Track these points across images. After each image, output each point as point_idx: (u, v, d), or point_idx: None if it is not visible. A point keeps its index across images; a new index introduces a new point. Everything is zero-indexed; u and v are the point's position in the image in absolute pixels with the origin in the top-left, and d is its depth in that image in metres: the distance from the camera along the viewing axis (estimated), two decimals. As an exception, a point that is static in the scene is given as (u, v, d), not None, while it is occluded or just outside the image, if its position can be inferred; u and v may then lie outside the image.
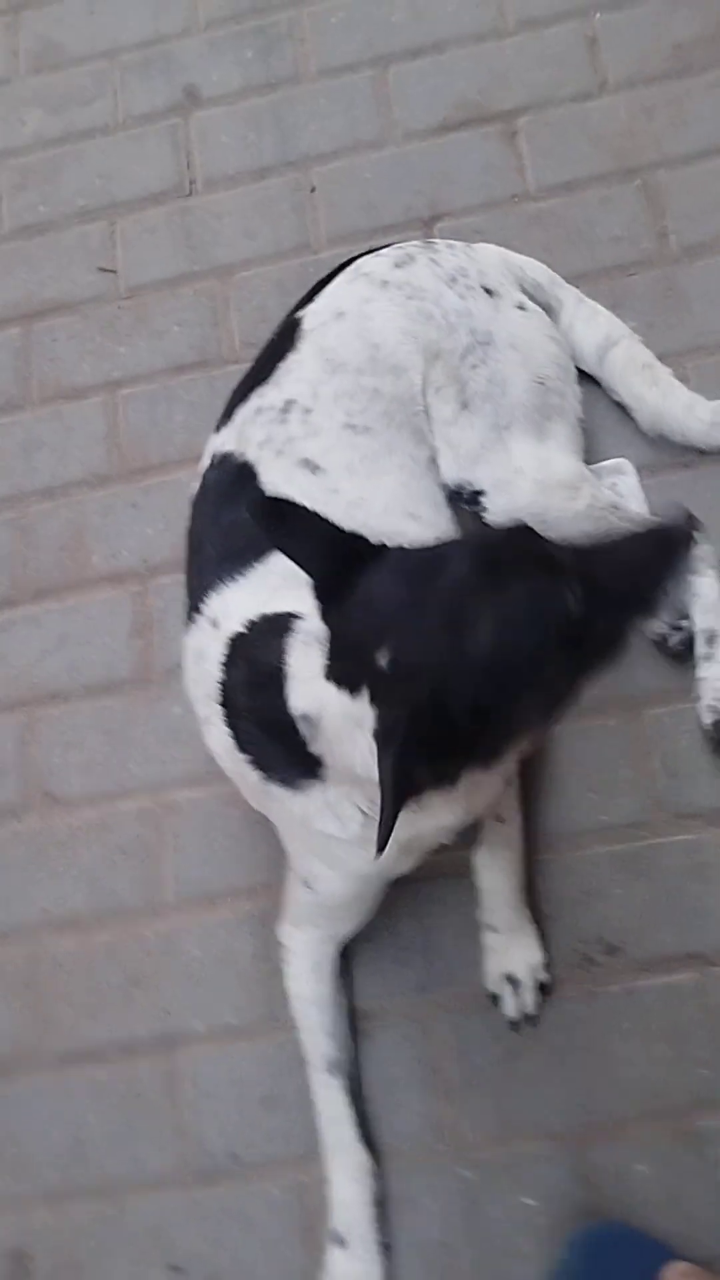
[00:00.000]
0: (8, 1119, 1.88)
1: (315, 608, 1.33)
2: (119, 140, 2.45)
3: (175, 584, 1.95)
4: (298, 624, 1.42)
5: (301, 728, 1.37)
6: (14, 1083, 1.90)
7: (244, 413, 1.76)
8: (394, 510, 1.68)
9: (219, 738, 1.57)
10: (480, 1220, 1.70)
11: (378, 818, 1.22)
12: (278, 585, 1.54)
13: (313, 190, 2.32)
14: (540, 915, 1.80)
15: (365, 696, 1.26)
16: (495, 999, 1.76)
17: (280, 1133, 1.78)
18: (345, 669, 1.28)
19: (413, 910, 1.84)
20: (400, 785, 1.19)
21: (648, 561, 1.31)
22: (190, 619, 1.68)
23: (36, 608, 2.14)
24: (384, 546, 1.31)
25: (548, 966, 1.77)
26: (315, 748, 1.38)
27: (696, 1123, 1.69)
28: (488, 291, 1.86)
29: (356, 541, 1.31)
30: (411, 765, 1.20)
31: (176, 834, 1.96)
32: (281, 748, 1.44)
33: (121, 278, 2.34)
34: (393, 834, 1.23)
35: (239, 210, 2.34)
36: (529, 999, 1.75)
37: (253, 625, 1.51)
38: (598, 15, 2.30)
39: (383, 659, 1.23)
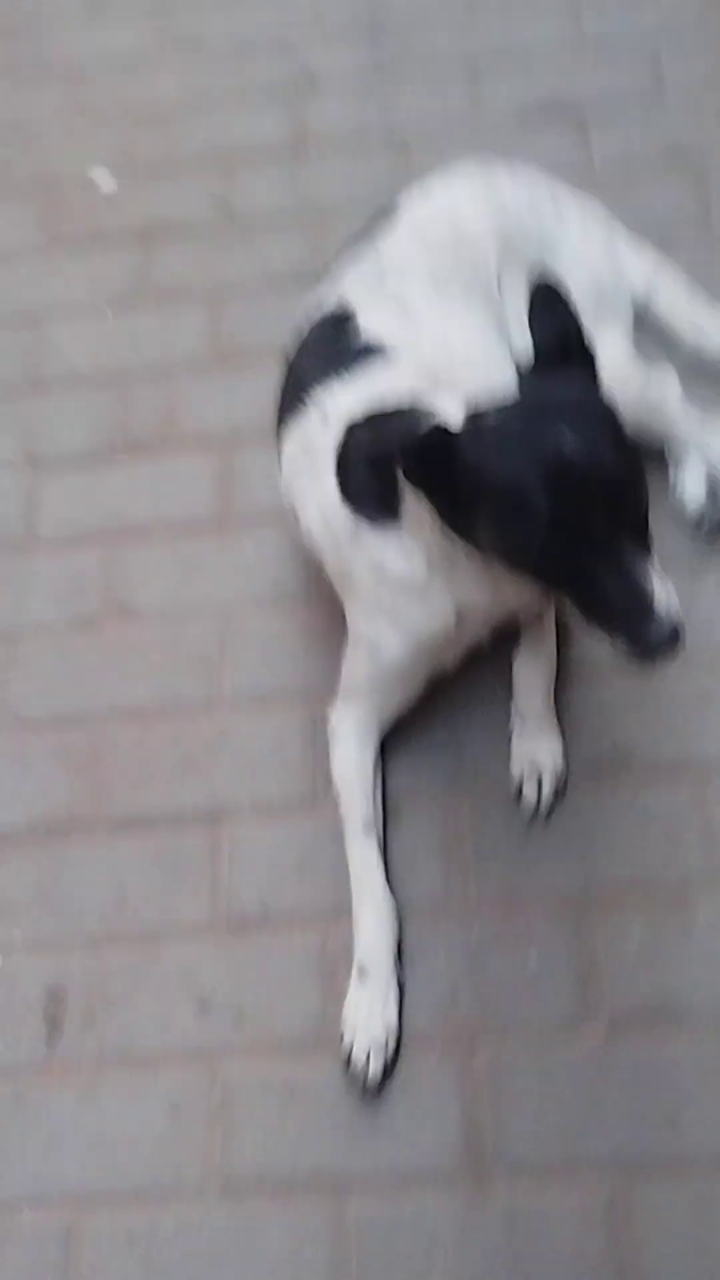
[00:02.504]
0: (60, 873, 2.06)
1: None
2: None
3: (256, 450, 2.26)
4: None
5: None
6: (69, 843, 2.08)
7: (341, 269, 2.10)
8: (474, 353, 1.98)
9: (319, 503, 1.87)
10: (485, 974, 1.88)
11: (437, 568, 1.67)
12: (380, 386, 1.85)
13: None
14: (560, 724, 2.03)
15: None
16: (518, 790, 1.98)
17: (309, 894, 1.97)
18: None
19: (447, 717, 2.07)
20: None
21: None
22: (289, 421, 1.98)
23: (131, 460, 2.43)
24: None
25: (567, 765, 1.99)
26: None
27: (685, 901, 1.89)
28: (559, 207, 2.20)
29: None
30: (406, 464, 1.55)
31: (238, 647, 2.20)
32: (376, 495, 1.75)
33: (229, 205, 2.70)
34: (443, 601, 1.73)
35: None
36: (549, 790, 1.96)
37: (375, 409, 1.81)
38: None
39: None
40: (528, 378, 1.66)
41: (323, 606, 2.16)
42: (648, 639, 1.48)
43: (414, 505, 1.68)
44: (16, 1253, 1.79)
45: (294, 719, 2.11)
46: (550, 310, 1.66)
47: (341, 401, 1.88)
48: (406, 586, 1.78)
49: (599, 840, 1.96)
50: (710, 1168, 1.72)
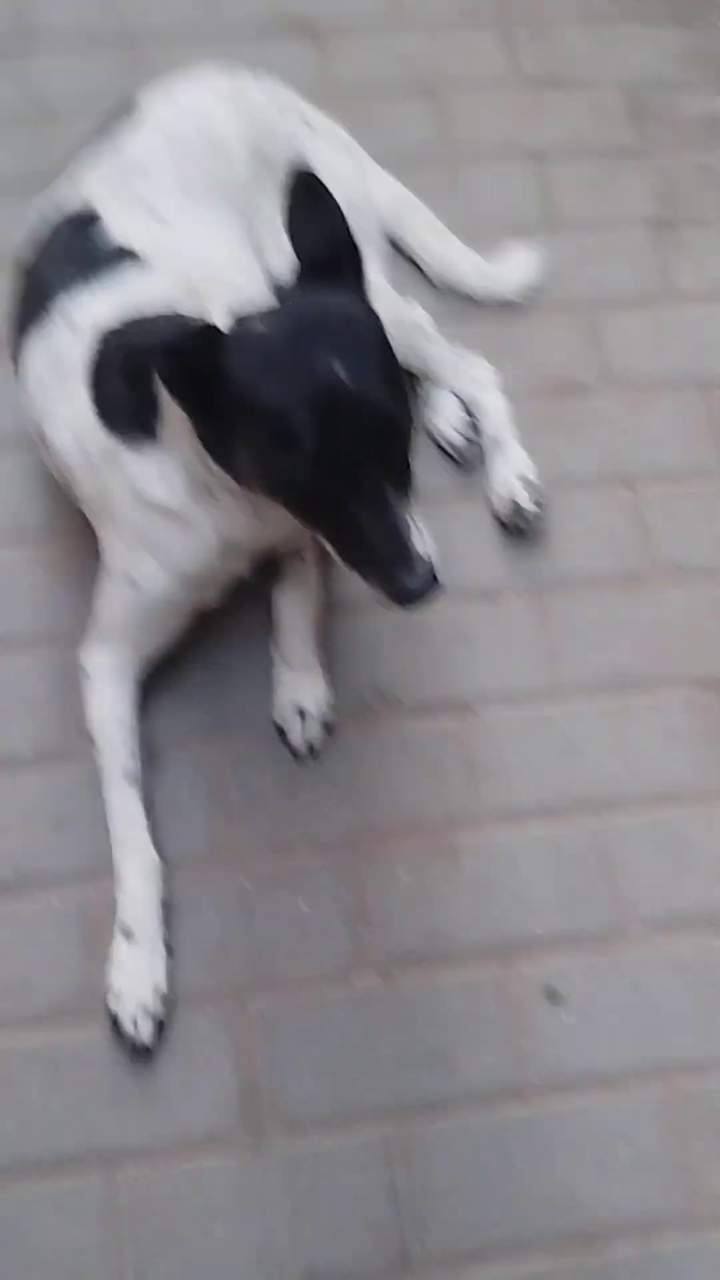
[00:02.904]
0: None
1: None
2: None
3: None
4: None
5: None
6: None
7: (81, 168, 1.93)
8: (231, 265, 1.87)
9: (69, 422, 1.73)
10: (255, 924, 1.82)
11: (199, 494, 1.55)
12: (134, 293, 1.70)
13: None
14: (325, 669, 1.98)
15: None
16: (282, 731, 1.91)
17: (68, 850, 1.84)
18: None
19: (207, 656, 1.97)
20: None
21: None
22: (32, 334, 1.81)
23: None
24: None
25: (332, 705, 1.94)
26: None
27: (451, 839, 1.89)
28: (309, 125, 2.11)
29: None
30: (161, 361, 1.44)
31: (-26, 586, 2.02)
32: (133, 411, 1.62)
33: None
34: (206, 531, 1.63)
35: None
36: (315, 731, 1.91)
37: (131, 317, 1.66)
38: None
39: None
40: (293, 288, 1.54)
41: (70, 539, 2.02)
42: (404, 587, 1.44)
43: (174, 424, 1.58)
44: None
45: (41, 663, 1.96)
46: (315, 207, 1.52)
47: (92, 310, 1.73)
48: (166, 514, 1.67)
49: (365, 781, 1.93)
50: (482, 1103, 1.75)
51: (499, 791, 1.93)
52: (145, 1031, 1.70)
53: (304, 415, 1.39)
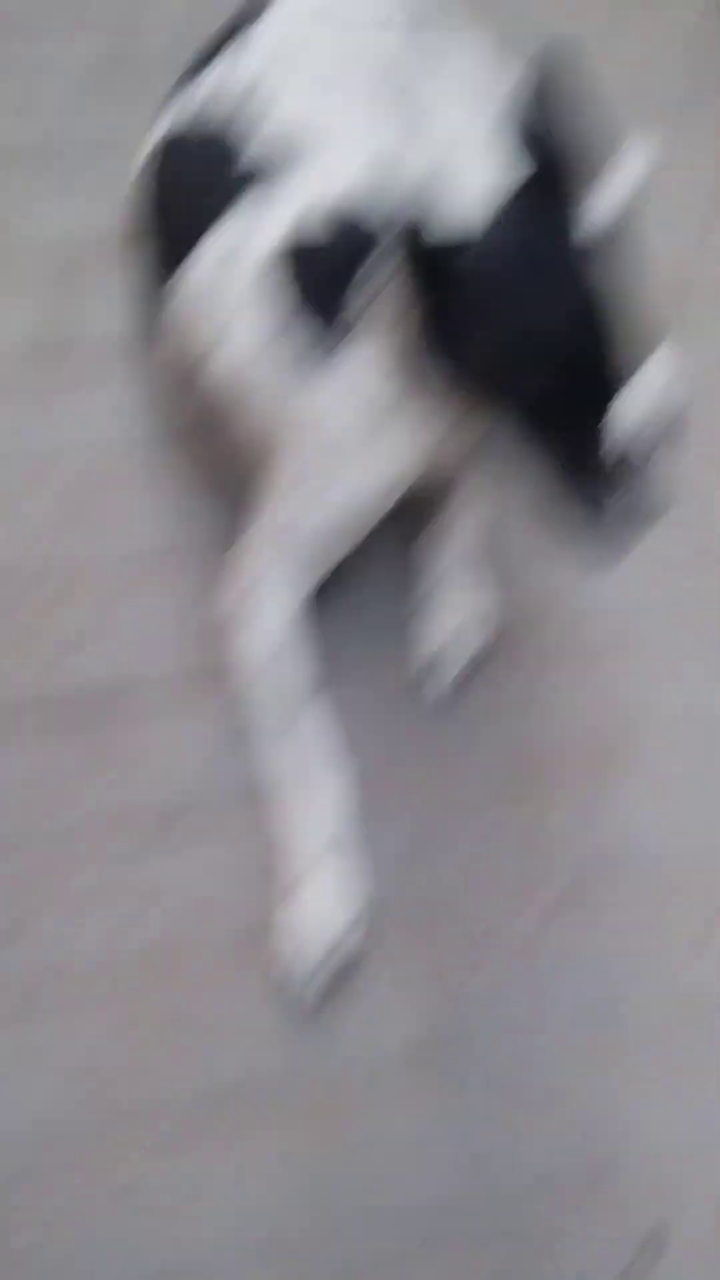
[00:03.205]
0: None
1: None
2: None
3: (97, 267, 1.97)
4: None
5: None
6: None
7: (224, 65, 1.79)
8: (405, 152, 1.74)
9: (246, 338, 1.63)
10: (426, 863, 1.76)
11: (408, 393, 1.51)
12: (321, 185, 1.61)
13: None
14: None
15: None
16: (432, 660, 1.85)
17: (232, 778, 1.76)
18: None
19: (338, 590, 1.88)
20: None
21: None
22: (195, 239, 1.69)
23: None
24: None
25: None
26: None
27: (609, 759, 1.85)
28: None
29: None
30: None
31: (108, 502, 1.91)
32: (326, 321, 1.57)
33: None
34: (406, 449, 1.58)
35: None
36: (468, 656, 1.86)
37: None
38: None
39: None
40: (520, 198, 1.45)
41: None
42: (636, 503, 1.43)
43: (379, 325, 1.51)
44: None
45: (190, 581, 1.86)
46: (555, 108, 1.44)
47: (271, 219, 1.62)
48: (360, 429, 1.59)
49: (517, 709, 1.87)
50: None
51: (648, 713, 1.89)
52: (329, 973, 1.64)
53: (560, 316, 1.39)
